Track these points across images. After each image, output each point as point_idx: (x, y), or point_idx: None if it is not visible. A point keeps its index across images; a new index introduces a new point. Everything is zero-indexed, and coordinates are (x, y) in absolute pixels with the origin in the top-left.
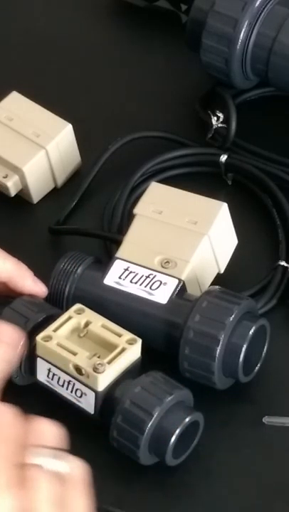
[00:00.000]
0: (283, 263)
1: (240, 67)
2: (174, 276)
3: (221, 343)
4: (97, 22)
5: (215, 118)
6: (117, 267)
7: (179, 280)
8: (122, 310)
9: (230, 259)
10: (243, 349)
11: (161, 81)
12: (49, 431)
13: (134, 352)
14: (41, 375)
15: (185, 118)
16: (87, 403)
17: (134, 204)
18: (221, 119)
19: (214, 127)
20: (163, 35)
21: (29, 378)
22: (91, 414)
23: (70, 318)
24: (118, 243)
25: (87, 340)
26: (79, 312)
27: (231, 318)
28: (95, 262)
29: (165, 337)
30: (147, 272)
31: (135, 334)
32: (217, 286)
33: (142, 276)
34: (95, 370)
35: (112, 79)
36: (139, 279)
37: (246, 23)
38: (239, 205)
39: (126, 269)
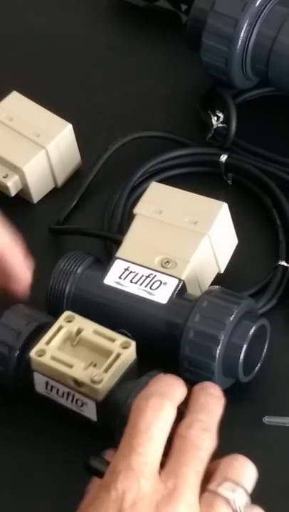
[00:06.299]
0: (283, 263)
1: (240, 67)
2: (174, 276)
3: (221, 343)
4: (97, 22)
5: (215, 118)
6: (117, 267)
7: (179, 280)
8: (122, 310)
9: (230, 259)
10: (243, 349)
11: (161, 81)
12: (248, 472)
13: (129, 355)
14: (40, 388)
15: (185, 118)
16: (89, 411)
17: (134, 204)
18: (221, 119)
19: (214, 127)
20: (163, 35)
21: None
22: (94, 422)
23: (61, 327)
24: (118, 243)
25: (81, 348)
26: (69, 320)
27: (231, 318)
28: (95, 262)
29: (165, 337)
30: (147, 271)
31: (135, 334)
32: (217, 286)
33: (142, 276)
34: (93, 381)
35: (112, 79)
36: (139, 279)
37: (246, 23)
38: (239, 205)
39: (126, 269)
